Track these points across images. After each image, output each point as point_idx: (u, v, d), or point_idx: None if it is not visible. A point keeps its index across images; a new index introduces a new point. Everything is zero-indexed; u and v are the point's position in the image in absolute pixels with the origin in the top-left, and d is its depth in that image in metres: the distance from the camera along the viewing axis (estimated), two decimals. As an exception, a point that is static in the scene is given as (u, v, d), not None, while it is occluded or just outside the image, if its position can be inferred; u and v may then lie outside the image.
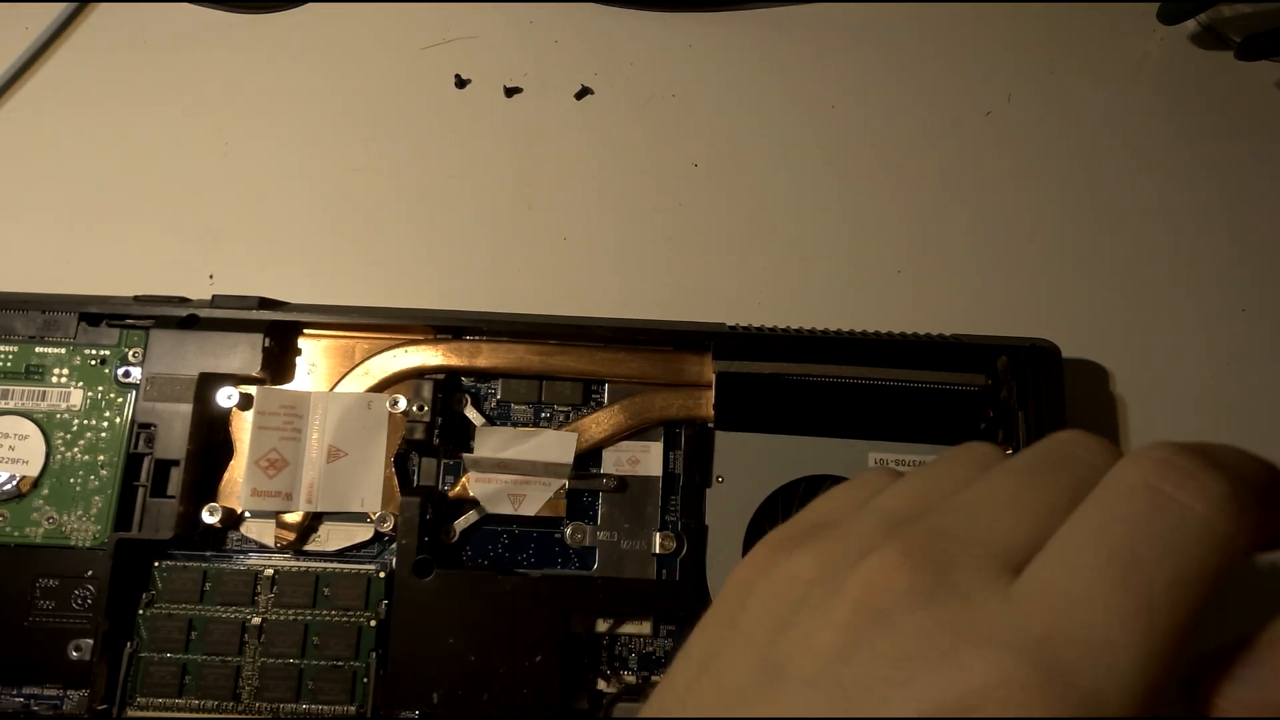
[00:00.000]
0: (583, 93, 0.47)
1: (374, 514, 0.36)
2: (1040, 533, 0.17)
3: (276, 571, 0.35)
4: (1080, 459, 0.18)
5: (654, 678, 0.35)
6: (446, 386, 0.37)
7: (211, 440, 0.37)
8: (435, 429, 0.37)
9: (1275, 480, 0.16)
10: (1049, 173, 0.45)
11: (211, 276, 0.42)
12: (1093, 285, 0.43)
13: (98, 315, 0.37)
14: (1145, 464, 0.16)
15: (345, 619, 0.35)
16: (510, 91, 0.46)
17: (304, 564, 0.36)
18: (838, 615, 0.17)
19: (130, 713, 0.34)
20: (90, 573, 0.35)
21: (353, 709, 0.34)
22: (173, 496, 0.35)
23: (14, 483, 0.35)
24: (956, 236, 0.44)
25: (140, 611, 0.35)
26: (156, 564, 0.35)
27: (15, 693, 0.34)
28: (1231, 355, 0.42)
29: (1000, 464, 0.19)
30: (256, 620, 0.35)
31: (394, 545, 0.36)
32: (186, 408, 0.36)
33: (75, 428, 0.36)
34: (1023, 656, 0.15)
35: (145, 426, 0.36)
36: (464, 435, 0.37)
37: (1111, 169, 0.45)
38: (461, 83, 0.47)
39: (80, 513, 0.35)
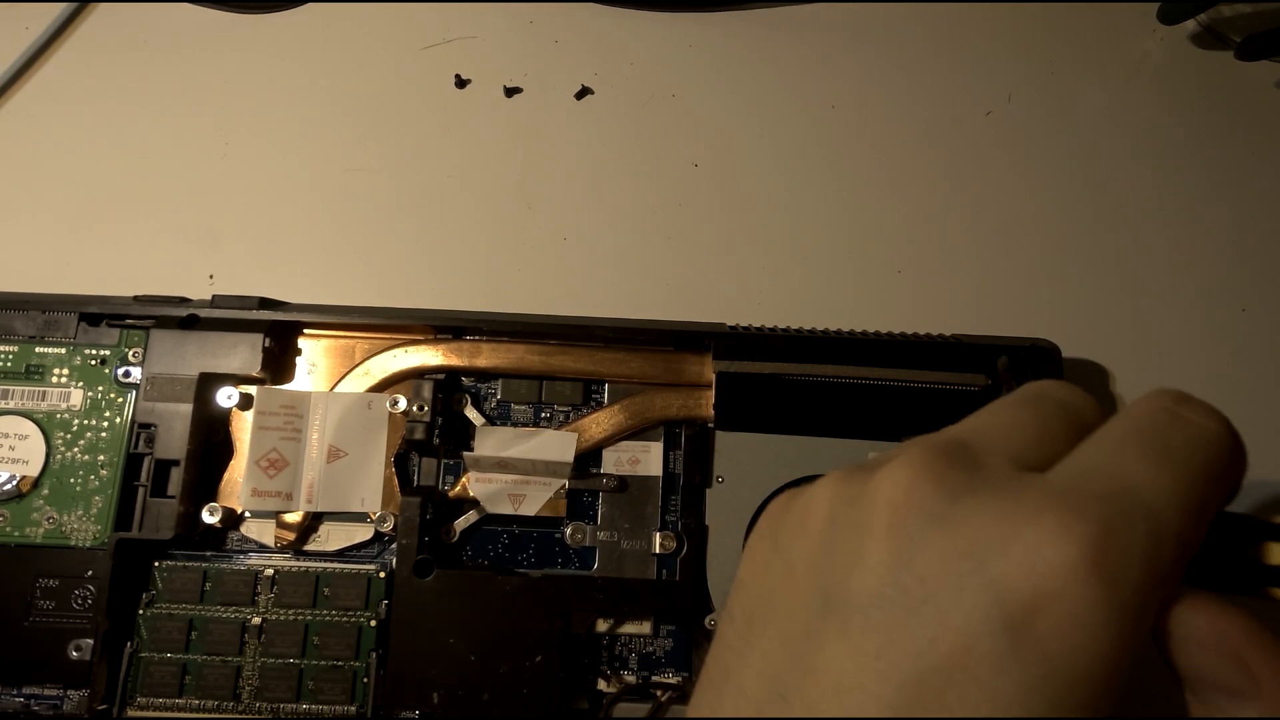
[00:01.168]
0: (583, 93, 0.47)
1: (374, 514, 0.37)
2: (1044, 446, 0.18)
3: (276, 571, 0.36)
4: (1057, 398, 0.20)
5: (654, 677, 0.36)
6: (446, 386, 0.38)
7: (211, 440, 0.37)
8: (435, 429, 0.37)
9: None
10: (1049, 172, 0.45)
11: (211, 276, 0.43)
12: (1093, 285, 0.43)
13: (98, 315, 0.37)
14: (1162, 395, 0.19)
15: (345, 619, 0.35)
16: (510, 91, 0.47)
17: (304, 564, 0.36)
18: (877, 524, 0.17)
19: (130, 713, 0.34)
20: (90, 573, 0.35)
21: (353, 709, 0.34)
22: (173, 496, 0.36)
23: (14, 482, 0.36)
24: (957, 237, 0.44)
25: (140, 611, 0.35)
26: (157, 564, 0.36)
27: (15, 692, 0.35)
28: (1231, 355, 0.43)
29: (991, 403, 0.20)
30: (257, 620, 0.35)
31: (394, 545, 0.36)
32: (187, 408, 0.36)
33: (75, 428, 0.36)
34: (1081, 516, 0.16)
35: (145, 426, 0.36)
36: (464, 435, 0.38)
37: (1111, 168, 0.46)
38: (461, 83, 0.47)
39: (80, 513, 0.36)
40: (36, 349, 0.37)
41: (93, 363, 0.37)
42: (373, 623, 0.35)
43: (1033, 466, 0.18)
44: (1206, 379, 0.42)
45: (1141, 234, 0.45)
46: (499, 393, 0.38)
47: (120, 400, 0.37)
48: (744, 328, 0.38)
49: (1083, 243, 0.44)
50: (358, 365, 0.37)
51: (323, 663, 0.35)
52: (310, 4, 0.48)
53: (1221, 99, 0.47)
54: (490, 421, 0.38)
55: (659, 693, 0.36)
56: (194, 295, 0.39)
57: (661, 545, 0.36)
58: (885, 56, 0.48)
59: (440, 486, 0.37)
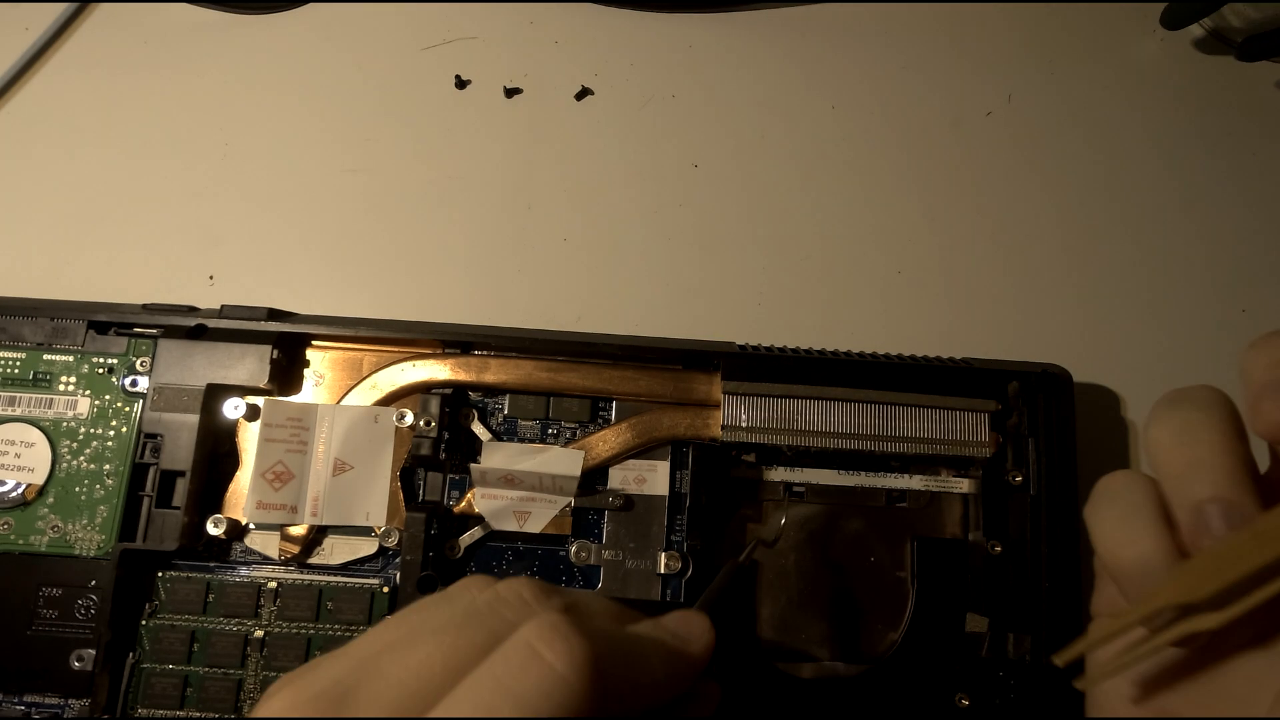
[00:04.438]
0: (583, 93, 0.51)
1: (379, 528, 0.40)
2: (446, 674, 0.22)
3: (280, 584, 0.39)
4: (497, 614, 0.24)
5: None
6: (453, 401, 0.41)
7: (217, 451, 0.41)
8: (441, 444, 0.40)
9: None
10: (1048, 173, 0.49)
11: (211, 277, 0.47)
12: (1092, 287, 0.48)
13: (106, 324, 0.41)
14: (534, 626, 0.22)
15: (348, 633, 0.39)
16: (510, 92, 0.51)
17: (307, 577, 0.40)
18: None
19: (132, 723, 0.38)
20: (94, 582, 0.39)
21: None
22: (178, 507, 0.39)
23: (19, 490, 0.39)
24: (956, 236, 0.48)
25: (143, 622, 0.39)
26: (160, 574, 0.39)
27: (17, 700, 0.38)
28: (1232, 358, 0.45)
29: (430, 621, 0.24)
30: (259, 633, 0.39)
31: (398, 560, 0.40)
32: (193, 418, 0.40)
33: (81, 436, 0.40)
34: None
35: (151, 436, 0.40)
36: (470, 450, 0.41)
37: (1111, 168, 0.50)
38: (461, 83, 0.51)
39: (85, 522, 0.39)
40: (44, 356, 0.41)
41: (100, 371, 0.41)
42: (376, 637, 0.39)
43: (423, 702, 0.22)
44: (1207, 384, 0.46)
45: (1141, 235, 0.49)
46: (506, 408, 0.42)
47: (127, 410, 0.40)
48: (753, 347, 0.42)
49: (1082, 243, 0.48)
50: (365, 378, 0.42)
51: (325, 677, 0.39)
52: (310, 4, 0.52)
53: (1222, 99, 0.51)
54: (497, 437, 0.42)
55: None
56: (194, 296, 0.43)
57: (666, 565, 0.40)
58: (885, 57, 0.52)
59: (445, 502, 0.41)
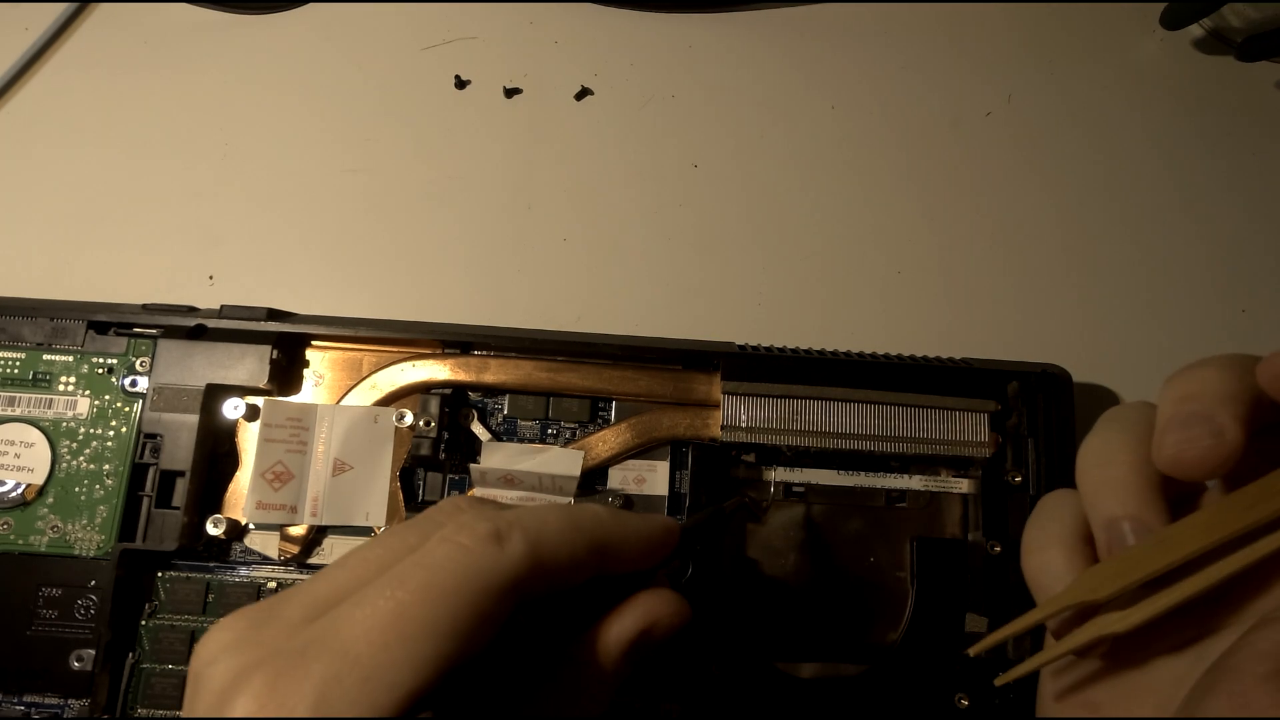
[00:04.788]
0: (582, 93, 0.51)
1: (378, 528, 0.40)
2: (370, 577, 0.25)
3: (280, 584, 0.39)
4: (431, 521, 0.27)
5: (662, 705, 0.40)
6: (453, 401, 0.41)
7: (217, 451, 0.41)
8: (441, 444, 0.40)
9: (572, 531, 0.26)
10: (1048, 174, 0.50)
11: (211, 278, 0.47)
12: (1092, 289, 0.48)
13: (105, 324, 0.41)
14: (451, 525, 0.25)
15: None
16: (510, 92, 0.51)
17: (307, 577, 0.40)
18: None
19: (132, 723, 0.38)
20: (93, 582, 0.39)
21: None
22: (177, 507, 0.39)
23: (19, 490, 0.40)
24: (956, 237, 0.49)
25: (143, 622, 0.39)
26: (160, 574, 0.39)
27: (16, 700, 0.38)
28: None
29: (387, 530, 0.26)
30: None
31: (398, 560, 0.40)
32: (193, 419, 0.40)
33: (81, 436, 0.40)
34: (279, 660, 0.22)
35: (151, 437, 0.40)
36: (470, 450, 0.41)
37: (1110, 168, 0.50)
38: (461, 83, 0.51)
39: (85, 522, 0.39)
40: (44, 356, 0.41)
41: (100, 371, 0.41)
42: (376, 637, 0.39)
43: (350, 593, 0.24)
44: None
45: (1141, 235, 0.49)
46: (506, 408, 0.42)
47: (127, 410, 0.40)
48: (753, 348, 0.42)
49: (1082, 243, 0.48)
50: (365, 378, 0.42)
51: (325, 677, 0.39)
52: (310, 4, 0.52)
53: (1222, 99, 0.51)
54: (496, 437, 0.42)
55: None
56: (194, 296, 0.44)
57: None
58: (885, 57, 0.52)
59: (445, 502, 0.42)
